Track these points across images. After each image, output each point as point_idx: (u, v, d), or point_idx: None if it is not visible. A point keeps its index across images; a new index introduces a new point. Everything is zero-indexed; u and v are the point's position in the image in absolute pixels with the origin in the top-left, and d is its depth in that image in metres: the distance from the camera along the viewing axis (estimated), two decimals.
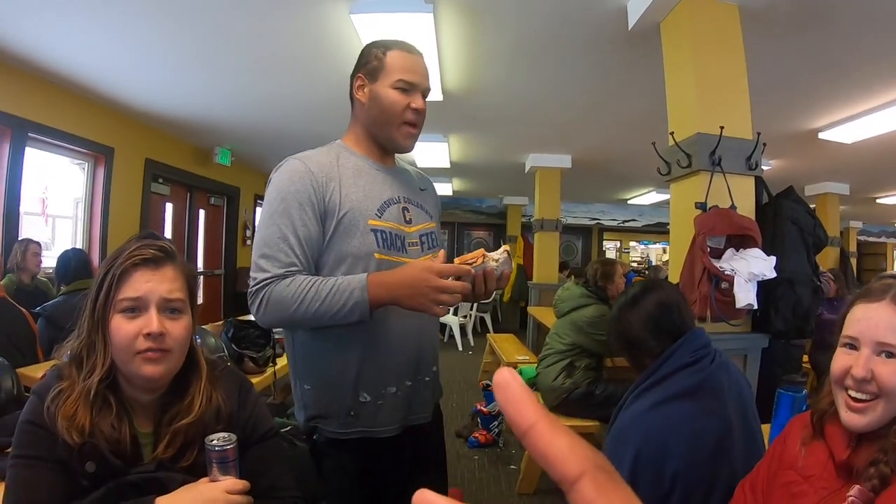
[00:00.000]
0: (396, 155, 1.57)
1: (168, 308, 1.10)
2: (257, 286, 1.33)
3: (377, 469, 1.45)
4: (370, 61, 1.46)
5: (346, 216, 1.38)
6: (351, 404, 1.41)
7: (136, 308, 1.07)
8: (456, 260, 1.31)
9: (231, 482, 1.07)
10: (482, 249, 1.33)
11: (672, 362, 1.42)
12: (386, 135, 1.47)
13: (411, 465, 1.52)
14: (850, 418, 0.99)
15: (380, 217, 1.42)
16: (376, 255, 1.39)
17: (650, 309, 1.52)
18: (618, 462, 1.25)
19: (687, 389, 1.37)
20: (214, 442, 1.06)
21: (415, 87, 1.44)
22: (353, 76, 1.51)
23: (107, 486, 1.02)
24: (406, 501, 0.98)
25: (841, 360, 1.02)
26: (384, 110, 1.44)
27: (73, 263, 3.53)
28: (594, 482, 0.27)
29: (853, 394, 0.99)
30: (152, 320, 1.06)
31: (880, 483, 0.90)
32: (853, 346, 1.01)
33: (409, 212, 1.50)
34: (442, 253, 1.34)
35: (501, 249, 1.34)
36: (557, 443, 0.28)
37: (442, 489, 1.62)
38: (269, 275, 1.32)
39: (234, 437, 1.08)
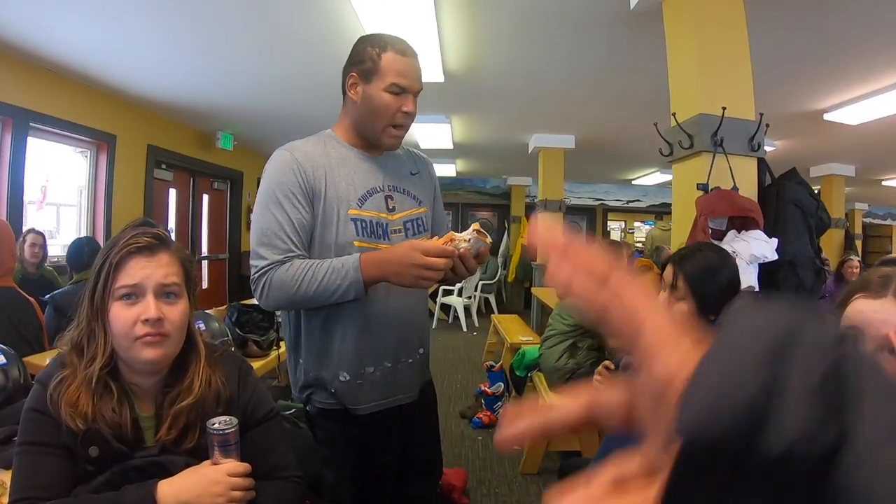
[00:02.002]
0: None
1: (165, 293, 1.12)
2: (258, 273, 1.42)
3: (364, 440, 1.54)
4: (364, 61, 1.49)
5: (329, 206, 1.47)
6: (332, 381, 1.51)
7: (133, 295, 1.10)
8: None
9: (232, 465, 1.09)
10: (451, 232, 1.40)
11: None
12: (373, 134, 1.53)
13: (401, 440, 1.62)
14: None
15: (360, 206, 1.50)
16: (356, 244, 1.47)
17: (735, 275, 1.66)
18: None
19: None
20: (216, 425, 1.09)
21: (406, 90, 1.49)
22: (345, 71, 1.55)
23: (111, 470, 1.05)
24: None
25: None
26: (375, 112, 1.49)
27: (87, 250, 3.52)
28: (617, 282, 0.29)
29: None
30: (150, 306, 1.09)
31: None
32: None
33: (392, 199, 1.56)
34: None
35: (470, 229, 1.40)
36: (588, 252, 0.31)
37: (436, 463, 1.80)
38: (268, 262, 1.40)
39: (234, 420, 1.11)
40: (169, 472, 1.07)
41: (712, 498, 0.23)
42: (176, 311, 1.13)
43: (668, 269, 1.65)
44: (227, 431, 1.09)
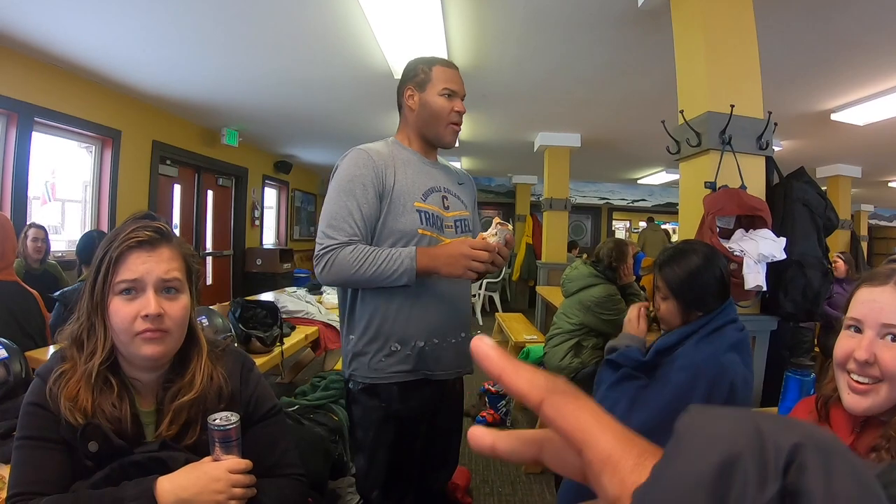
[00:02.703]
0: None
1: (165, 288, 1.11)
2: (324, 250, 1.61)
3: (399, 412, 1.71)
4: (417, 75, 1.76)
5: (397, 197, 1.67)
6: (383, 350, 1.69)
7: (133, 290, 1.08)
8: None
9: (233, 461, 1.08)
10: (481, 233, 1.59)
11: (723, 316, 1.62)
12: (435, 133, 1.77)
13: (433, 413, 1.80)
14: (851, 401, 0.99)
15: (424, 200, 1.71)
16: (419, 231, 1.68)
17: (723, 271, 1.68)
18: (696, 392, 1.46)
19: (734, 343, 1.57)
20: (217, 421, 1.08)
21: (456, 93, 1.75)
22: (400, 88, 1.82)
23: (111, 465, 1.04)
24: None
25: (844, 342, 1.01)
26: (434, 113, 1.74)
27: (97, 244, 3.51)
28: (551, 406, 0.30)
29: (855, 377, 0.98)
30: (150, 301, 1.08)
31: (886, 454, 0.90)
32: (857, 328, 1.00)
33: (447, 199, 1.79)
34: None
35: (493, 223, 1.59)
36: (519, 382, 0.32)
37: (450, 457, 1.95)
38: (335, 241, 1.60)
39: (236, 416, 1.10)
40: (169, 468, 1.06)
41: None
42: (177, 307, 1.12)
43: (657, 275, 1.74)
44: (228, 427, 1.08)
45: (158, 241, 1.12)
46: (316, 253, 1.63)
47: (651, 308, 1.86)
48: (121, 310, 1.07)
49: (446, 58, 1.81)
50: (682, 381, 1.50)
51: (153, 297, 1.08)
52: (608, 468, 0.27)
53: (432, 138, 1.78)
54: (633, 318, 1.82)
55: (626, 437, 0.28)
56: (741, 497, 0.22)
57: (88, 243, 3.57)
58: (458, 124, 1.77)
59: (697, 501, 0.22)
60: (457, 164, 2.04)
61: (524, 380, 0.31)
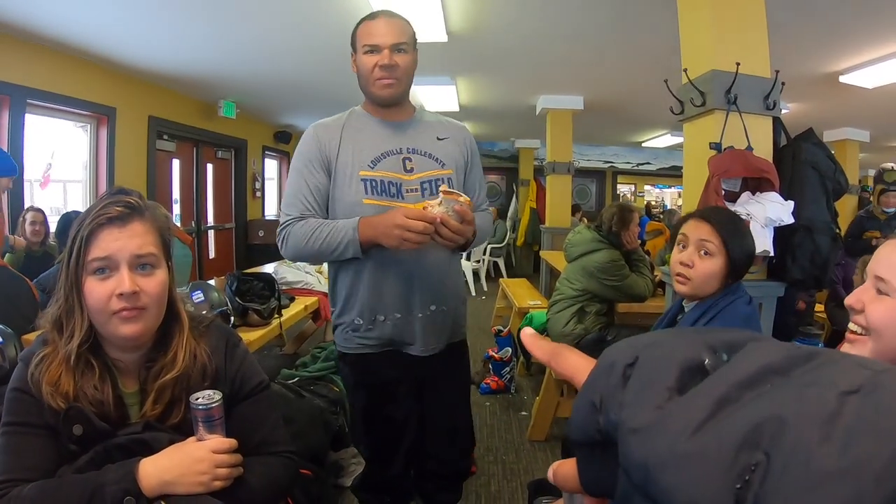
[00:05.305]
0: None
1: (140, 265, 1.08)
2: (281, 227, 1.68)
3: (367, 381, 1.80)
4: (352, 39, 1.73)
5: (341, 169, 1.68)
6: (350, 324, 1.74)
7: (106, 268, 1.05)
8: None
9: (217, 441, 1.06)
10: (425, 201, 1.55)
11: (735, 289, 1.63)
12: (369, 93, 1.73)
13: (419, 385, 1.84)
14: (847, 351, 0.98)
15: (372, 168, 1.68)
16: (364, 201, 1.66)
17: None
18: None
19: (745, 318, 1.58)
20: (199, 400, 1.06)
21: (378, 46, 1.65)
22: None
23: (94, 449, 1.03)
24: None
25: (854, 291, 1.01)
26: (362, 74, 1.71)
27: None
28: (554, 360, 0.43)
29: (851, 325, 0.98)
30: (124, 280, 1.04)
31: None
32: (864, 278, 1.00)
33: (410, 161, 1.72)
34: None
35: (439, 192, 1.55)
36: (540, 355, 0.44)
37: (461, 430, 1.97)
38: (290, 217, 1.67)
39: (219, 394, 1.08)
40: (153, 450, 1.04)
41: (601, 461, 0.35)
42: (153, 283, 1.08)
43: (704, 227, 1.62)
44: (211, 406, 1.06)
45: (129, 216, 1.08)
46: (277, 231, 1.72)
47: (658, 272, 1.82)
48: (95, 289, 1.04)
49: (384, 10, 1.74)
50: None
51: (127, 274, 1.05)
52: (578, 374, 0.39)
53: (370, 98, 1.75)
54: None
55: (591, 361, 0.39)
56: (606, 384, 0.34)
57: (66, 225, 3.55)
58: (387, 78, 1.67)
59: (598, 378, 0.34)
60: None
61: (542, 351, 0.44)
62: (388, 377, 1.78)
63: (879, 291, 0.94)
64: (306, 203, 1.67)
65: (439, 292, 1.77)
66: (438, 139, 1.80)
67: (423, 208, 1.50)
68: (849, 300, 0.97)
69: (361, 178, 1.66)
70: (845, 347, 0.98)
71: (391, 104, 1.75)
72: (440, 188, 1.57)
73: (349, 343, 1.76)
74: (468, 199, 1.53)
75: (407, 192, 1.70)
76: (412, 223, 1.47)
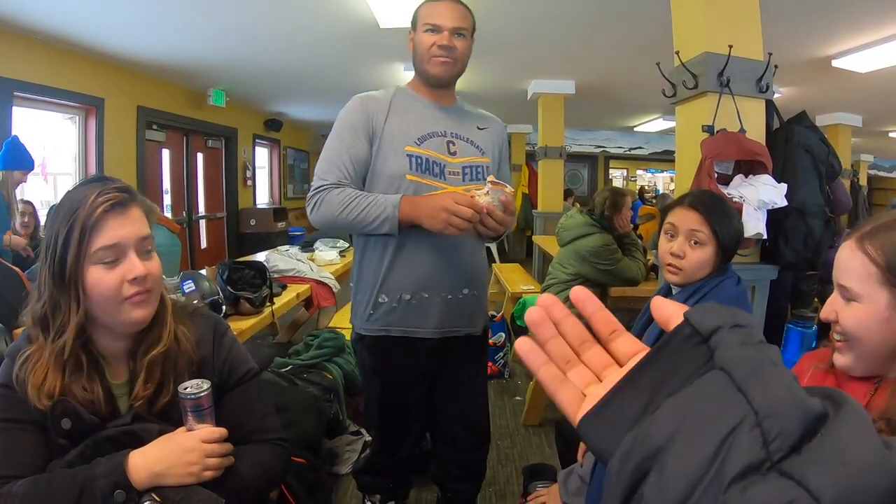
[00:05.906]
0: (462, 99, 1.88)
1: (144, 249, 1.07)
2: (315, 191, 1.63)
3: (389, 367, 1.78)
4: (413, 18, 1.75)
5: (386, 141, 1.66)
6: (371, 302, 1.72)
7: (114, 255, 1.03)
8: None
9: (207, 431, 1.05)
10: (473, 191, 1.53)
11: (724, 271, 1.61)
12: (423, 70, 1.73)
13: (436, 371, 1.84)
14: (835, 358, 0.99)
15: (419, 145, 1.68)
16: (408, 177, 1.65)
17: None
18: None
19: (733, 298, 1.55)
20: (188, 389, 1.05)
21: (439, 27, 1.67)
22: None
23: (84, 443, 1.02)
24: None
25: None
26: (419, 51, 1.71)
27: None
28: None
29: (833, 335, 0.99)
30: (136, 265, 1.04)
31: (887, 428, 0.86)
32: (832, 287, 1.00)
33: (454, 145, 1.74)
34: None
35: (486, 182, 1.52)
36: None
37: (475, 420, 1.92)
38: (325, 182, 1.62)
39: (207, 383, 1.07)
40: (143, 441, 1.03)
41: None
42: (155, 265, 1.09)
43: (692, 216, 1.58)
44: (199, 395, 1.05)
45: (128, 201, 1.07)
46: (308, 195, 1.67)
47: (650, 255, 1.81)
48: (103, 278, 1.02)
49: None
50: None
51: (137, 259, 1.04)
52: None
53: (423, 76, 1.75)
54: None
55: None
56: None
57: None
58: (443, 56, 1.69)
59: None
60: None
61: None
62: (406, 362, 1.77)
63: (846, 299, 0.94)
64: (344, 171, 1.64)
65: (473, 275, 1.80)
66: (479, 128, 1.83)
67: (472, 196, 1.50)
68: (822, 314, 0.98)
69: (407, 153, 1.66)
70: (836, 357, 0.98)
71: (442, 85, 1.76)
72: (488, 178, 1.55)
73: (370, 325, 1.74)
74: (512, 190, 1.55)
75: (450, 174, 1.71)
76: (461, 209, 1.46)
